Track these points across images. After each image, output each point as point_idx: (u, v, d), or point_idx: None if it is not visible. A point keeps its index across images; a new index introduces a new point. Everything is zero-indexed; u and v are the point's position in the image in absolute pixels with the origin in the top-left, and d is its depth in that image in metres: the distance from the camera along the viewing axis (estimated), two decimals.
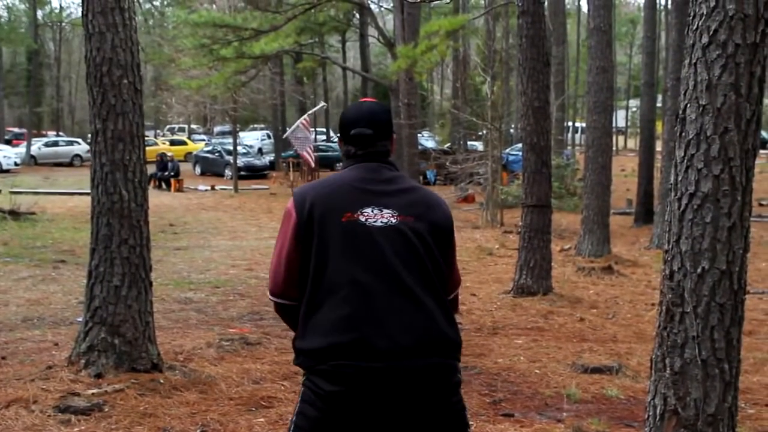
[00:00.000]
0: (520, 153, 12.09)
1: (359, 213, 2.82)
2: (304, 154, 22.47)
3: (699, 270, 3.54)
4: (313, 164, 24.04)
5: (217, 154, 40.50)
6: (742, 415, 5.21)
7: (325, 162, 41.41)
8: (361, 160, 2.96)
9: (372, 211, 2.83)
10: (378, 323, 2.74)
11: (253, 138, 52.13)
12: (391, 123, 3.06)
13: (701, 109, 3.55)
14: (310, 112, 27.68)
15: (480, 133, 33.65)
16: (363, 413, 2.72)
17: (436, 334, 2.81)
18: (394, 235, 2.82)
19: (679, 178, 3.63)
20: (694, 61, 3.59)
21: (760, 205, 24.47)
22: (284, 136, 30.12)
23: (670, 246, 3.65)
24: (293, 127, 23.00)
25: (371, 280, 2.76)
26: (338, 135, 3.07)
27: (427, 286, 2.83)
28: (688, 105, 3.61)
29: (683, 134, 3.63)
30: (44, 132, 60.50)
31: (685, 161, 3.60)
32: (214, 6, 29.66)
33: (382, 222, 2.82)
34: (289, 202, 2.91)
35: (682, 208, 3.61)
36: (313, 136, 25.25)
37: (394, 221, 2.83)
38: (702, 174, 3.55)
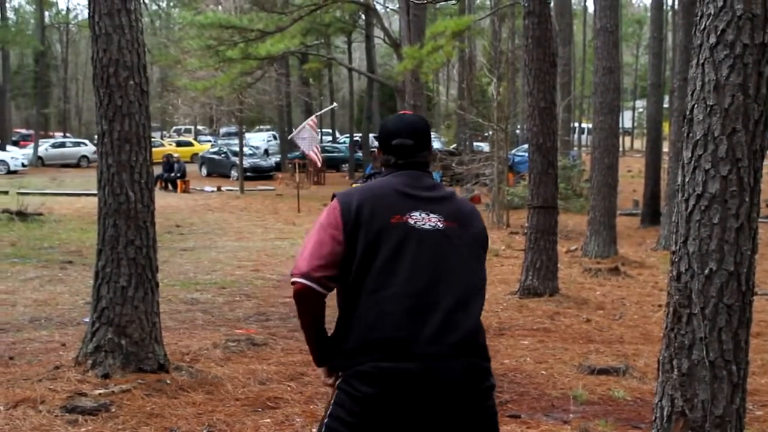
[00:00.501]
0: (526, 154, 12.08)
1: (408, 216, 2.89)
2: (311, 154, 22.48)
3: (707, 271, 3.53)
4: (319, 164, 24.03)
5: (223, 155, 40.58)
6: (750, 416, 5.19)
7: (330, 163, 41.51)
8: (401, 169, 3.03)
9: (420, 215, 2.90)
10: (419, 323, 2.77)
11: (259, 139, 52.19)
12: (430, 135, 3.12)
13: (709, 109, 3.54)
14: (319, 113, 27.70)
15: (486, 134, 33.64)
16: (399, 415, 2.74)
17: (475, 337, 2.88)
18: (442, 239, 2.89)
19: (687, 179, 3.62)
20: (701, 61, 3.58)
21: None
22: (289, 137, 30.14)
23: (678, 247, 3.64)
24: (299, 128, 23.01)
25: (419, 279, 2.82)
26: (376, 145, 3.13)
27: (471, 289, 2.91)
28: (696, 105, 3.60)
29: (691, 135, 3.61)
30: (51, 133, 60.69)
31: (693, 162, 3.59)
32: (219, 7, 29.68)
33: (430, 225, 2.89)
34: (332, 202, 2.92)
35: (689, 209, 3.59)
36: (319, 137, 25.28)
37: (441, 226, 2.91)
38: (710, 175, 3.54)
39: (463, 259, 2.91)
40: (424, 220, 2.89)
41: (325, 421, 2.83)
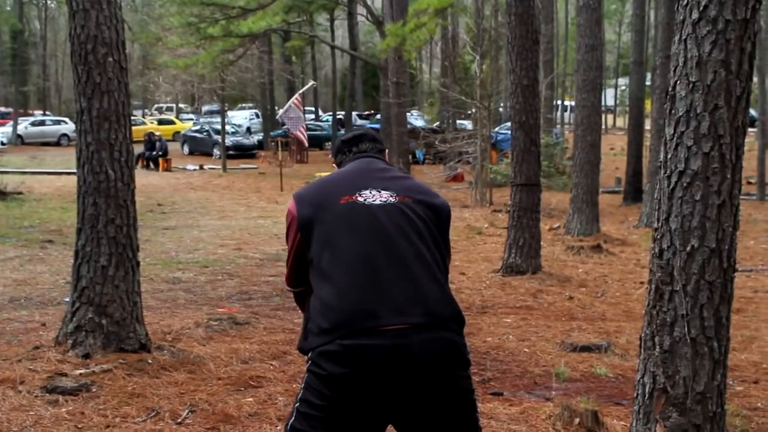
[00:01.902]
0: (509, 132, 12.06)
1: (357, 195, 2.92)
2: (297, 133, 22.42)
3: (688, 248, 3.53)
4: (306, 143, 23.94)
5: (205, 133, 40.36)
6: (730, 392, 5.22)
7: (313, 141, 41.32)
8: (356, 157, 3.16)
9: (370, 192, 2.93)
10: (379, 296, 2.74)
11: (241, 117, 51.93)
12: (378, 138, 3.31)
13: (691, 86, 3.53)
14: (300, 91, 27.57)
15: (469, 112, 33.60)
16: (370, 395, 2.69)
17: (445, 307, 2.82)
18: (394, 212, 2.89)
19: (669, 156, 3.61)
20: (684, 37, 3.56)
21: (749, 183, 24.54)
22: (277, 116, 30.01)
23: (660, 224, 3.64)
24: (285, 107, 22.92)
25: (374, 253, 2.81)
26: (333, 162, 3.32)
27: (431, 259, 2.87)
28: (678, 82, 3.58)
29: (673, 111, 3.60)
30: (31, 111, 60.09)
31: (675, 139, 3.59)
32: None
33: (381, 201, 2.91)
34: (289, 204, 3.01)
35: (671, 186, 3.59)
36: (303, 116, 25.14)
37: (393, 200, 2.92)
38: (692, 151, 3.53)
39: (419, 230, 2.88)
40: (375, 196, 2.92)
41: (296, 405, 2.80)
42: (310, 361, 2.78)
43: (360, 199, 2.90)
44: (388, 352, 2.66)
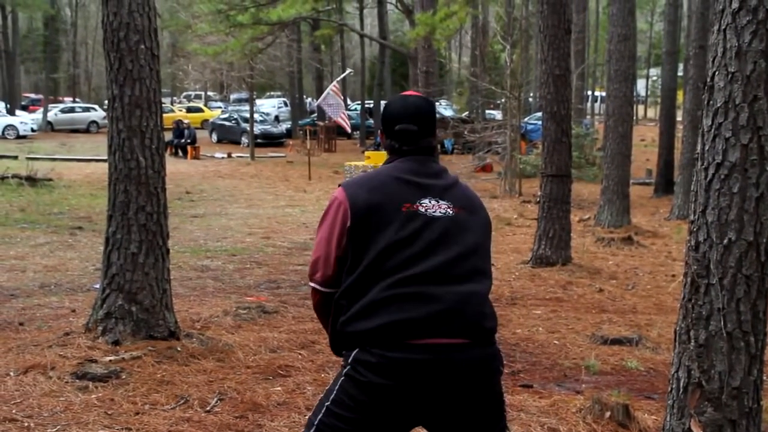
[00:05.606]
0: (539, 122, 11.98)
1: (418, 204, 2.83)
2: (339, 119, 22.44)
3: (725, 241, 3.47)
4: (349, 129, 23.91)
5: (233, 121, 40.49)
6: (764, 387, 5.15)
7: (341, 130, 41.32)
8: (406, 155, 2.96)
9: (429, 202, 2.85)
10: (429, 308, 2.72)
11: (269, 106, 52.04)
12: (435, 119, 3.04)
13: (730, 76, 3.46)
14: (338, 78, 27.57)
15: (498, 102, 33.43)
16: (405, 404, 2.69)
17: (491, 323, 2.83)
18: (452, 225, 2.84)
19: (706, 148, 3.54)
20: (723, 27, 3.49)
21: None
22: (315, 104, 30.00)
23: (696, 216, 3.58)
24: (324, 94, 22.95)
25: (426, 265, 2.76)
26: (380, 128, 3.07)
27: (482, 274, 2.86)
28: (717, 72, 3.51)
29: (711, 102, 3.53)
30: (61, 98, 60.61)
31: (713, 130, 3.52)
32: None
33: (440, 212, 2.85)
34: (337, 192, 2.89)
35: (708, 178, 3.52)
36: (343, 102, 25.09)
37: (451, 212, 2.86)
38: (730, 143, 3.46)
39: (473, 244, 2.86)
40: (435, 207, 2.85)
41: (326, 403, 2.78)
42: (349, 366, 2.74)
43: (421, 209, 2.82)
44: (429, 368, 2.66)
